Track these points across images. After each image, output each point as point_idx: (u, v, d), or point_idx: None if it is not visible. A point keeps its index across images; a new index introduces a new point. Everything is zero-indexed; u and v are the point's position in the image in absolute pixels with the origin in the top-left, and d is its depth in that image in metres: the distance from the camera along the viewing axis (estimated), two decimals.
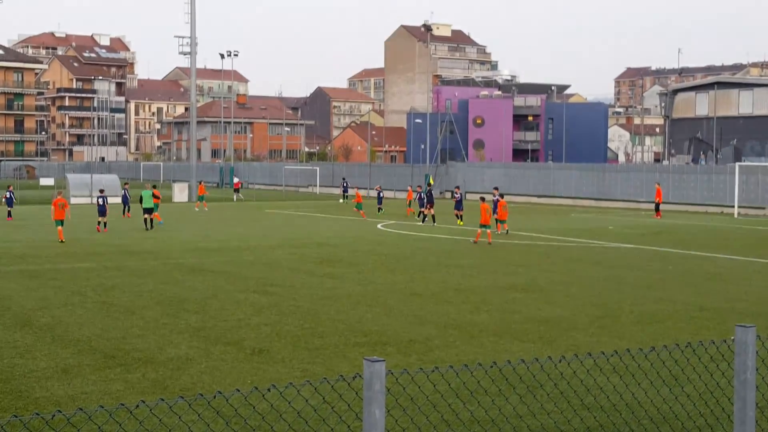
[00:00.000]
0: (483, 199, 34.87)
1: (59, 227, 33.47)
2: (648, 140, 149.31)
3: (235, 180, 76.29)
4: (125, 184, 54.74)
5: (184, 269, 25.04)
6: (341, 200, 69.08)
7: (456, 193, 46.85)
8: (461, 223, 43.10)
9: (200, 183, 62.60)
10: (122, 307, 18.42)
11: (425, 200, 45.85)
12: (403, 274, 24.31)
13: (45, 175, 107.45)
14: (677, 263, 27.41)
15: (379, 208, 54.11)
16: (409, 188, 55.13)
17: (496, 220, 37.63)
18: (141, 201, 41.15)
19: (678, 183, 59.50)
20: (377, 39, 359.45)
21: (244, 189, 79.27)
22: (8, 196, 47.98)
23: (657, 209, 50.84)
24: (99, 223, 39.16)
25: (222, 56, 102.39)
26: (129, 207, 48.61)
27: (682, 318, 17.74)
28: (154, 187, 44.26)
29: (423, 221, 44.77)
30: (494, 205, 37.43)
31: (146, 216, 40.28)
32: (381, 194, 56.34)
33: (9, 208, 47.32)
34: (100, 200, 39.93)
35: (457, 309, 18.49)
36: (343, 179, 74.96)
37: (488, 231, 33.36)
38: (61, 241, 32.49)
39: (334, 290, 21.03)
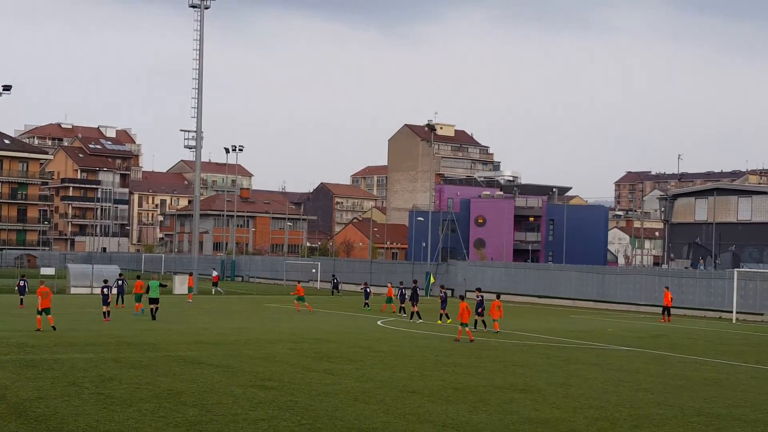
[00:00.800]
0: (462, 297, 36.19)
1: (39, 316, 33.65)
2: (648, 244, 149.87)
3: (214, 273, 75.93)
4: (120, 274, 55.41)
5: (182, 362, 24.99)
6: (333, 295, 71.07)
7: (441, 292, 46.40)
8: (446, 321, 42.83)
9: (190, 275, 64.53)
10: (119, 399, 18.36)
11: (411, 297, 46.36)
12: (402, 371, 24.26)
13: (46, 265, 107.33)
14: (676, 367, 27.34)
15: (366, 304, 54.69)
16: (389, 285, 55.54)
17: (492, 319, 38.43)
18: (147, 291, 41.77)
19: (677, 287, 59.51)
20: (381, 137, 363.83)
21: (245, 282, 79.28)
22: (22, 284, 49.05)
23: (665, 313, 50.75)
24: (104, 313, 39.89)
25: (227, 150, 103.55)
26: (123, 298, 49.14)
27: (680, 422, 17.68)
28: (138, 278, 46.13)
29: (411, 318, 44.87)
30: (477, 305, 38.73)
31: (153, 306, 40.82)
32: (368, 290, 56.95)
33: (21, 296, 48.37)
34: (105, 290, 40.67)
35: (455, 408, 18.44)
36: (333, 275, 77.60)
37: (467, 329, 33.92)
38: (38, 330, 32.70)
39: (332, 386, 20.97)
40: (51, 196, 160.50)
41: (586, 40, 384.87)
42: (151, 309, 40.90)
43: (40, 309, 33.89)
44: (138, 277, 47.20)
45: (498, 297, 39.97)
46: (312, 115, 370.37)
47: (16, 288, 50.02)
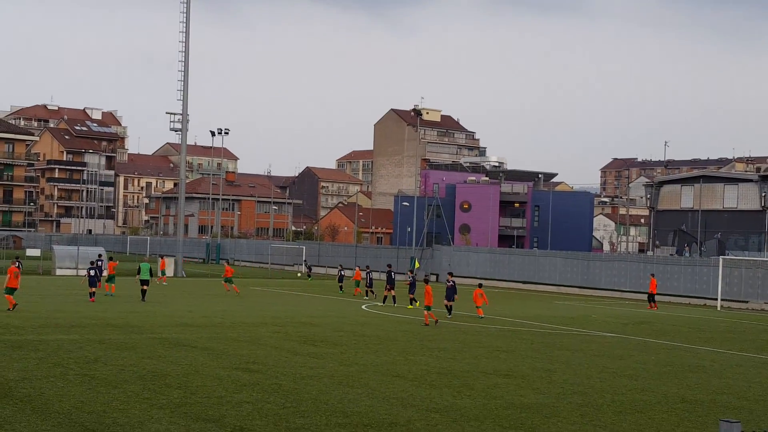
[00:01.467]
0: (426, 281, 36.37)
1: (8, 295, 33.49)
2: (633, 230, 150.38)
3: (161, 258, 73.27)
4: (99, 255, 55.24)
5: (167, 344, 24.97)
6: (308, 278, 72.47)
7: (409, 276, 46.00)
8: (410, 307, 42.86)
9: (162, 258, 64.30)
10: (104, 381, 18.35)
11: (386, 281, 46.32)
12: (386, 355, 24.31)
13: (32, 246, 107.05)
14: (660, 354, 27.50)
15: (340, 287, 56.35)
16: (357, 268, 56.50)
17: (475, 305, 38.46)
18: (139, 272, 42.42)
19: (662, 274, 59.80)
20: (367, 121, 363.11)
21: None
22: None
23: (651, 300, 50.91)
24: (91, 294, 40.31)
25: (213, 134, 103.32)
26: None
27: (663, 409, 17.80)
28: (111, 259, 47.52)
29: (384, 302, 45.06)
30: (448, 290, 37.78)
31: (143, 287, 41.54)
32: (342, 273, 59.06)
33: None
34: (92, 272, 41.01)
35: (439, 392, 18.50)
36: (305, 261, 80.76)
37: (431, 312, 34.05)
38: (9, 309, 32.56)
39: (316, 370, 21.01)
40: (37, 177, 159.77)
41: (573, 26, 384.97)
42: (142, 290, 41.45)
43: (8, 287, 33.67)
44: (110, 259, 47.62)
45: (480, 286, 39.88)
46: (298, 99, 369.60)
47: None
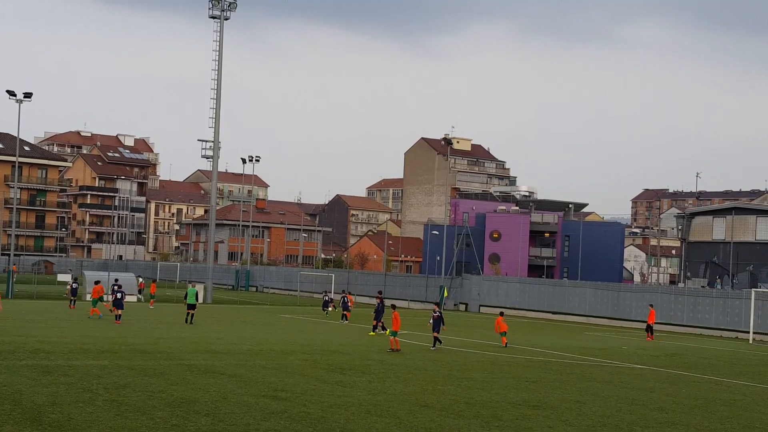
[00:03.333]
0: (394, 306, 36.34)
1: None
2: (664, 262, 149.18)
3: (140, 280, 71.54)
4: (116, 280, 56.10)
5: (195, 370, 25.04)
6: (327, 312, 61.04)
7: (377, 302, 44.34)
8: (372, 333, 42.24)
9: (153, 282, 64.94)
10: (132, 407, 18.41)
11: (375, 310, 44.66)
12: (414, 385, 24.22)
13: (63, 271, 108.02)
14: (691, 387, 27.19)
15: (326, 311, 59.13)
16: (348, 293, 58.36)
17: (498, 333, 38.58)
18: (186, 297, 44.99)
19: (693, 306, 59.25)
20: (397, 150, 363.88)
21: (259, 292, 79.03)
22: (74, 286, 54.35)
23: (649, 331, 50.12)
24: (117, 316, 42.08)
25: (243, 161, 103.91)
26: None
27: None
28: (97, 283, 49.88)
29: (374, 331, 44.05)
30: (435, 322, 35.90)
31: (189, 312, 44.19)
32: (326, 297, 61.16)
33: (73, 298, 53.43)
34: (118, 294, 42.78)
35: (467, 423, 18.39)
36: (325, 292, 68.49)
37: (395, 338, 33.97)
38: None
39: (344, 398, 20.96)
40: (69, 203, 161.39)
41: (604, 55, 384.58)
42: (188, 314, 44.14)
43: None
44: (96, 283, 49.35)
45: (501, 314, 39.66)
46: (328, 127, 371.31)
47: (68, 289, 55.35)
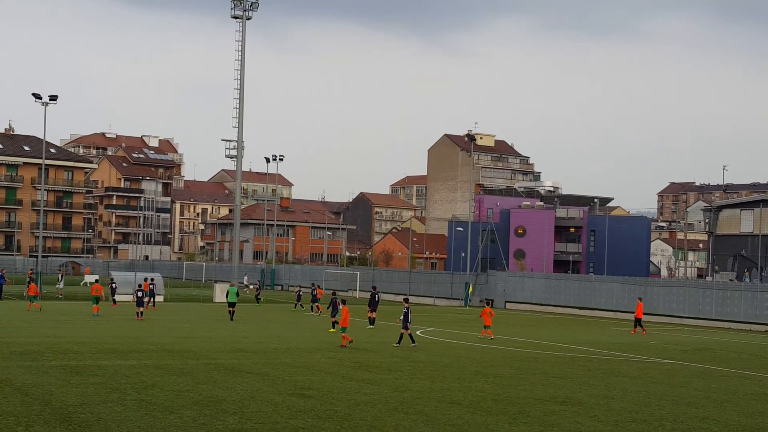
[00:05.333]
0: (344, 302, 36.14)
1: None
2: (691, 255, 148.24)
3: (145, 279, 71.45)
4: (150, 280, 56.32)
5: (222, 369, 25.12)
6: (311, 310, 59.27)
7: (333, 297, 44.25)
8: (332, 330, 41.32)
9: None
10: (161, 406, 18.49)
11: (369, 303, 46.49)
12: (441, 381, 24.17)
13: (89, 272, 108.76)
14: (720, 381, 26.97)
15: (296, 304, 60.88)
16: (317, 287, 59.07)
17: (483, 325, 39.54)
18: (227, 295, 49.06)
19: (722, 300, 58.79)
20: (421, 147, 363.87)
21: (284, 291, 78.67)
22: (114, 286, 56.55)
23: (637, 325, 49.15)
24: (138, 313, 44.97)
25: (267, 160, 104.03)
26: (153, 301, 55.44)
27: None
28: (96, 281, 54.44)
29: (371, 324, 45.23)
30: (405, 316, 34.60)
31: (231, 309, 47.46)
32: (300, 292, 62.34)
33: (113, 296, 55.76)
34: (139, 293, 46.16)
35: (495, 420, 18.33)
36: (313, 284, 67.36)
37: (344, 334, 33.53)
38: None
39: (371, 396, 20.95)
40: (95, 204, 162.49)
41: (628, 49, 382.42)
42: (230, 311, 47.38)
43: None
44: (31, 280, 53.12)
45: (488, 304, 40.46)
46: (351, 125, 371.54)
47: (110, 289, 56.82)
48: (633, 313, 63.99)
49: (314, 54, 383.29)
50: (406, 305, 35.69)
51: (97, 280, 56.58)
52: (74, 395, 19.59)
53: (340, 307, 35.92)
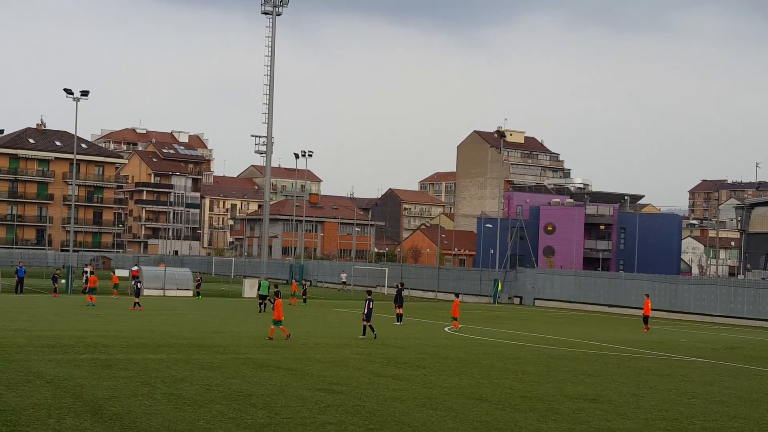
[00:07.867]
0: (278, 294, 35.74)
1: None
2: (723, 253, 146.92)
3: (134, 267, 72.71)
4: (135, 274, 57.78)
5: (251, 364, 25.21)
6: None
7: (400, 288, 45.44)
8: (397, 324, 42.71)
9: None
10: (190, 400, 18.58)
11: (395, 299, 45.58)
12: (470, 378, 24.12)
13: (120, 267, 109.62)
14: (752, 380, 26.71)
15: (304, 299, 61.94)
16: (293, 281, 60.73)
17: (451, 317, 40.93)
18: (259, 288, 52.52)
19: (753, 298, 58.23)
20: (450, 143, 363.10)
21: (312, 287, 78.95)
22: (138, 287, 54.20)
23: (645, 322, 48.88)
24: (135, 304, 47.22)
25: (296, 156, 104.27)
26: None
27: None
28: (92, 273, 55.36)
29: (399, 321, 44.19)
30: (369, 310, 35.32)
31: (261, 301, 50.09)
32: (305, 288, 63.85)
33: (136, 299, 52.07)
34: (137, 284, 49.33)
35: (524, 416, 18.26)
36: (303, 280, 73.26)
37: (281, 327, 33.37)
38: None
39: (399, 392, 20.94)
40: (125, 199, 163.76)
41: (659, 44, 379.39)
42: (261, 303, 49.95)
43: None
44: (92, 273, 55.06)
45: (457, 296, 42.71)
46: (380, 121, 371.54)
47: (134, 288, 56.58)
48: (662, 311, 63.79)
49: (343, 50, 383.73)
50: (369, 297, 36.41)
51: (92, 272, 55.98)
52: (104, 388, 19.73)
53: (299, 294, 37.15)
